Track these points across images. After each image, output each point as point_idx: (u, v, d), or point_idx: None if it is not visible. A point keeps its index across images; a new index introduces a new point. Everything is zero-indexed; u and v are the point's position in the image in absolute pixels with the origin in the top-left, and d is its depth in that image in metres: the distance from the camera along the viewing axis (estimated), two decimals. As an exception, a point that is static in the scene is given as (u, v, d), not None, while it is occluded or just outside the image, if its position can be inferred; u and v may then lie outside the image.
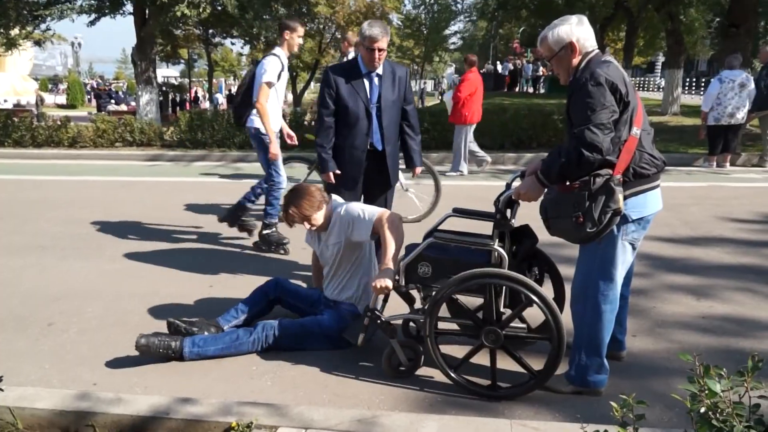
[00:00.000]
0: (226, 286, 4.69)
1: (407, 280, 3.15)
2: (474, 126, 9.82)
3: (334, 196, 3.76)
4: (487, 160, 10.15)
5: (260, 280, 4.72)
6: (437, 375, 3.15)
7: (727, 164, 10.02)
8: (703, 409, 1.53)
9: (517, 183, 3.14)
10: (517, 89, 30.66)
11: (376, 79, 4.22)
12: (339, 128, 4.25)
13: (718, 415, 1.52)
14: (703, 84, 27.44)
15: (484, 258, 3.06)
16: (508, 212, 3.11)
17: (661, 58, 36.86)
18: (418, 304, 3.41)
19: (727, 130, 9.73)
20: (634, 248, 2.90)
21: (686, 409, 1.58)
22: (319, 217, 3.52)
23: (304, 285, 4.21)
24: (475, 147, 10.04)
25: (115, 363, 3.44)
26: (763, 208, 7.06)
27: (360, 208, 3.49)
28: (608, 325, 2.91)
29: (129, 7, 14.92)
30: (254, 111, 5.44)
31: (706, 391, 1.52)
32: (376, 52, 4.07)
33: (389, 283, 3.11)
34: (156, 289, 4.58)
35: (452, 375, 3.06)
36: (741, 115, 9.59)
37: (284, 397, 3.07)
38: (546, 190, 2.90)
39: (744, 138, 10.86)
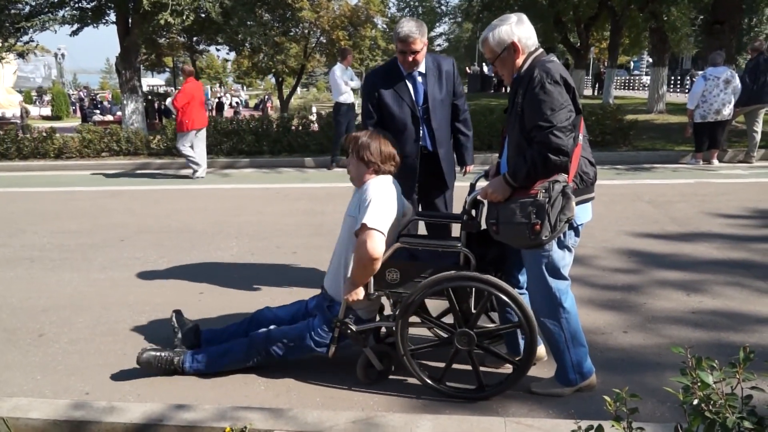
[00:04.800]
0: (216, 293, 4.67)
1: (376, 287, 3.07)
2: (201, 131, 10.44)
3: (387, 178, 3.23)
4: (196, 168, 10.43)
5: (250, 287, 4.74)
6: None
7: (715, 160, 10.08)
8: (695, 402, 1.53)
9: (481, 183, 3.13)
10: (503, 90, 30.77)
11: (419, 78, 3.89)
12: None
13: (710, 407, 1.52)
14: (687, 82, 27.65)
15: (452, 260, 3.05)
16: (474, 213, 3.06)
17: (648, 59, 37.15)
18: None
19: (714, 126, 9.80)
20: (571, 252, 2.92)
21: (678, 403, 1.59)
22: (354, 167, 3.21)
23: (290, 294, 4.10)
24: (189, 152, 10.39)
25: (107, 372, 3.42)
26: (750, 204, 7.12)
27: (374, 197, 3.01)
28: (576, 314, 2.95)
29: (112, 17, 14.84)
30: None
31: (699, 384, 1.53)
32: (409, 55, 3.74)
33: (361, 294, 3.04)
34: (146, 299, 4.56)
35: (436, 386, 3.04)
36: (727, 112, 9.65)
37: (278, 401, 3.07)
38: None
39: (730, 134, 10.94)
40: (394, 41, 3.88)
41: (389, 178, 3.23)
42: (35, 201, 8.67)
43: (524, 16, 2.86)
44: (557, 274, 2.87)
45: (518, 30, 2.80)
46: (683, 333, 3.75)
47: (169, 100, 11.60)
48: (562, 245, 2.84)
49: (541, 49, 2.84)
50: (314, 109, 25.11)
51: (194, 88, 10.28)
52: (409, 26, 3.70)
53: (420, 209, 4.12)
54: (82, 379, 3.37)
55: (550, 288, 2.87)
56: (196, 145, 10.44)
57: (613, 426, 1.63)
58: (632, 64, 43.89)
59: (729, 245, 5.49)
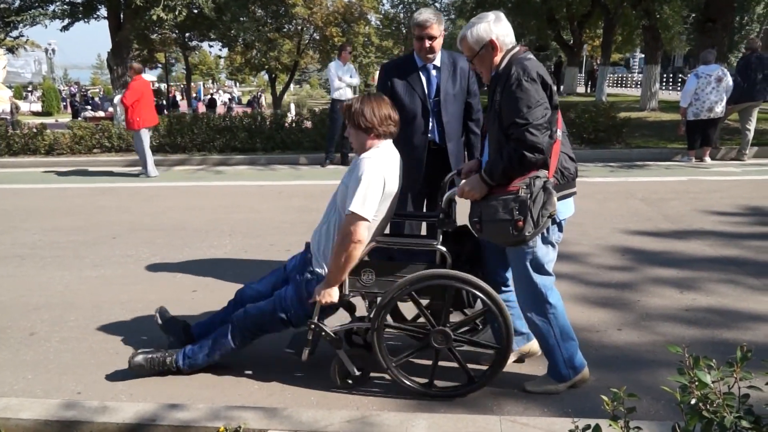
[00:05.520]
0: (209, 290, 4.65)
1: (351, 288, 3.03)
2: (150, 129, 10.49)
3: (388, 147, 3.13)
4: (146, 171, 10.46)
5: (243, 284, 4.71)
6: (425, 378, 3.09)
7: (707, 158, 10.10)
8: (693, 401, 1.53)
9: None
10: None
11: (433, 72, 3.86)
12: None
13: (708, 406, 1.52)
14: (680, 80, 27.75)
15: (429, 259, 3.04)
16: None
17: (639, 55, 37.23)
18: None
19: (706, 124, 9.82)
20: (555, 248, 2.94)
21: (674, 400, 1.58)
22: (354, 134, 3.09)
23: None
24: (148, 152, 10.42)
25: (99, 371, 3.39)
26: (742, 201, 7.14)
27: (365, 179, 2.89)
28: (563, 308, 2.97)
29: (103, 11, 14.75)
30: None
31: (696, 383, 1.52)
32: (426, 41, 3.71)
33: (335, 296, 2.98)
34: (138, 297, 4.53)
35: (427, 391, 3.02)
36: (719, 109, 9.68)
37: (272, 400, 3.05)
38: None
39: (722, 132, 10.96)
40: (411, 29, 3.87)
41: (390, 149, 3.11)
42: (26, 198, 8.62)
43: (502, 14, 2.90)
44: (542, 270, 2.89)
45: (496, 28, 2.83)
46: (677, 330, 3.75)
47: (117, 98, 11.54)
48: (546, 241, 2.85)
49: (518, 47, 2.86)
50: (292, 107, 24.90)
51: (143, 86, 10.21)
52: (427, 13, 3.73)
53: (426, 203, 4.10)
54: (74, 378, 3.34)
55: (535, 285, 2.88)
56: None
57: (610, 425, 1.62)
58: (632, 61, 43.82)
59: (722, 242, 5.51)
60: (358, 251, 2.92)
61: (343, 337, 3.16)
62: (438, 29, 3.73)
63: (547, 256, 2.88)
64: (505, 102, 2.70)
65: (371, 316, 3.02)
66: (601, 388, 2.77)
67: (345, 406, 2.96)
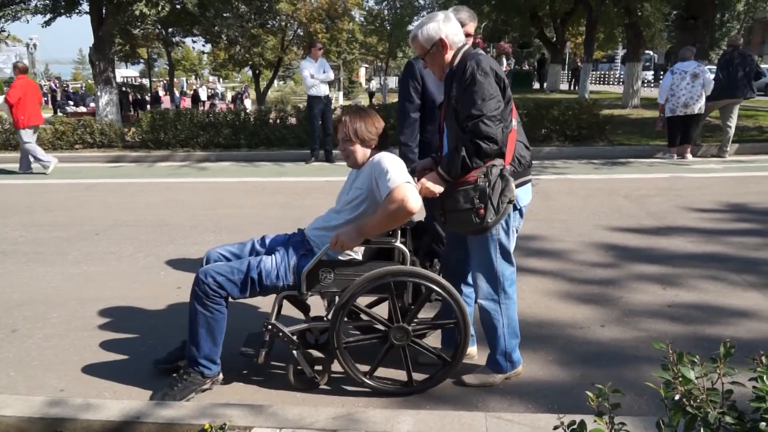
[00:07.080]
0: (194, 287, 4.62)
1: (309, 288, 3.00)
2: (35, 128, 10.32)
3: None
4: (52, 162, 10.28)
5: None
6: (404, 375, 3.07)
7: (688, 155, 10.20)
8: (677, 397, 1.54)
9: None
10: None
11: None
12: (423, 123, 3.91)
13: (692, 401, 1.53)
14: (661, 78, 27.94)
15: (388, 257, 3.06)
16: None
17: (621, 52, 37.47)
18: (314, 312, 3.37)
19: (685, 120, 9.91)
20: (516, 234, 3.02)
21: (658, 396, 1.60)
22: (359, 150, 3.08)
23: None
24: (34, 147, 10.27)
25: (83, 368, 3.37)
26: (724, 198, 7.22)
27: (390, 165, 2.90)
28: (516, 303, 3.06)
29: (85, 6, 14.59)
30: None
31: (680, 379, 1.54)
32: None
33: (352, 247, 2.95)
34: (122, 293, 4.50)
35: (368, 381, 3.03)
36: (697, 106, 9.77)
37: (257, 397, 3.05)
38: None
39: (704, 129, 11.07)
40: None
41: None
42: (7, 193, 8.51)
43: (451, 14, 3.02)
44: (507, 258, 2.97)
45: (445, 27, 2.93)
46: (660, 326, 3.79)
47: (1, 98, 11.47)
48: (508, 227, 2.93)
49: (467, 45, 2.98)
50: (249, 104, 24.34)
51: (26, 85, 10.14)
52: (463, 11, 3.69)
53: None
54: (57, 375, 3.31)
55: (497, 272, 2.96)
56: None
57: (595, 421, 1.63)
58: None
59: (704, 239, 5.57)
60: (406, 219, 2.88)
61: (299, 338, 3.13)
62: (473, 27, 3.73)
63: (511, 242, 2.97)
64: (460, 95, 2.79)
65: (329, 316, 3.02)
66: (585, 385, 2.79)
67: (331, 404, 2.96)
